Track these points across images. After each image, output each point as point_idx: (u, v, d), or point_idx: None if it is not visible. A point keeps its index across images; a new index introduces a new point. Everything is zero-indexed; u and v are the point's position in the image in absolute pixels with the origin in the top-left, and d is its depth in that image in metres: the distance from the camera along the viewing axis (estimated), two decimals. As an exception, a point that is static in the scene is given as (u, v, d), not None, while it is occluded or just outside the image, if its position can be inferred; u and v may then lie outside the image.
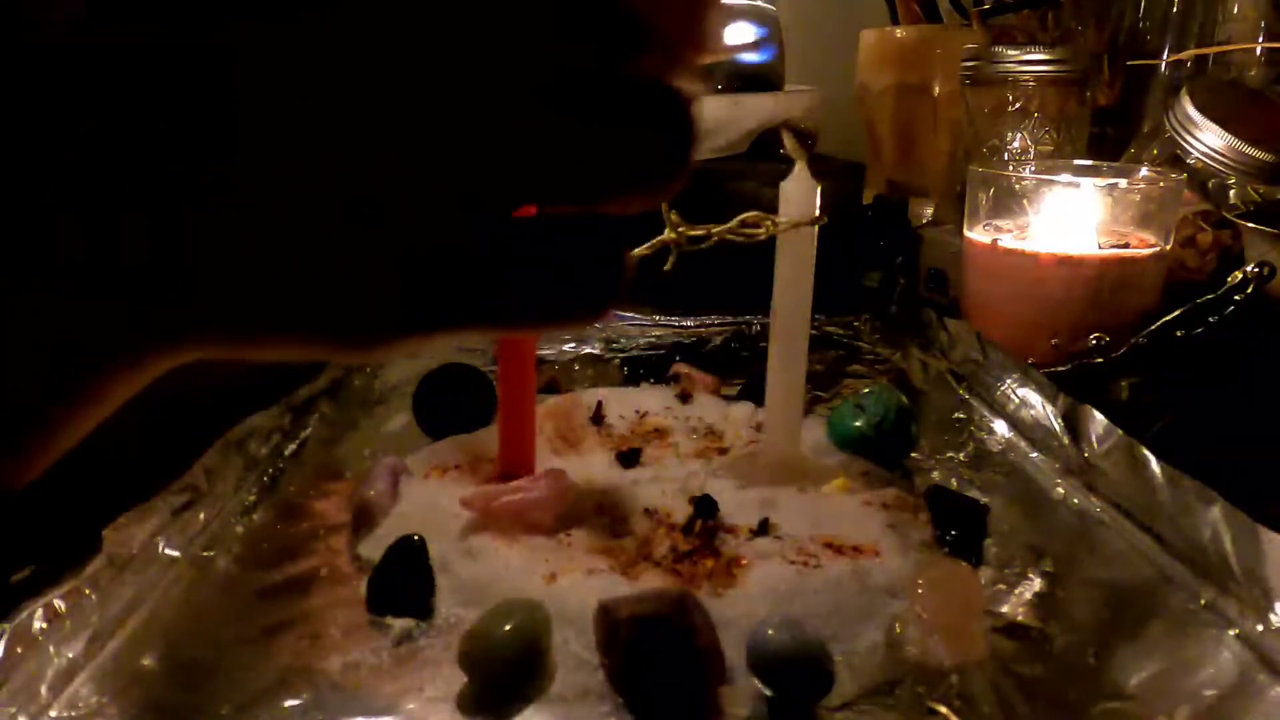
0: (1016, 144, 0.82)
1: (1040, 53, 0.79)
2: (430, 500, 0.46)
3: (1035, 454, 0.54)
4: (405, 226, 0.18)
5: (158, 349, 0.19)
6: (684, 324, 0.79)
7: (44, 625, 0.33)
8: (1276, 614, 0.36)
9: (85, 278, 0.17)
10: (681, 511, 0.45)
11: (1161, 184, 0.64)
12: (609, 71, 0.18)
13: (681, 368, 0.65)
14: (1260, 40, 0.75)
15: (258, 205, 0.17)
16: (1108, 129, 0.88)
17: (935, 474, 0.52)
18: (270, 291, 0.18)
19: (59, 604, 0.34)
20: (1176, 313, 0.60)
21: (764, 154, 0.89)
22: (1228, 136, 0.65)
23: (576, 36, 0.18)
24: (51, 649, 0.33)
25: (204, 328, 0.19)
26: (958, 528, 0.44)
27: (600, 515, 0.45)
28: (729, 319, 0.80)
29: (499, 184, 0.18)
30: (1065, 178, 0.67)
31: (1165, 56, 0.83)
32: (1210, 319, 0.59)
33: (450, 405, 0.55)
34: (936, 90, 0.96)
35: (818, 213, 0.45)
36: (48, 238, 0.17)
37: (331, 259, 0.18)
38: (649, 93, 0.19)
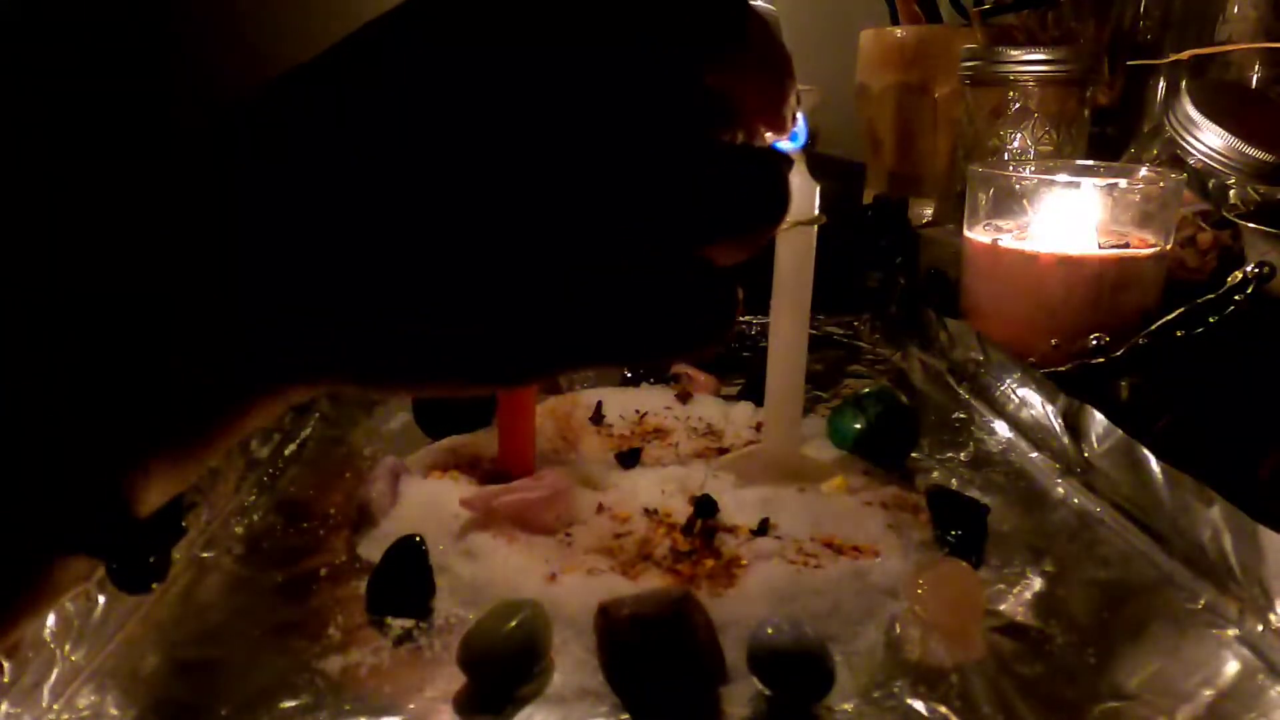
0: (1016, 144, 0.82)
1: (1040, 53, 0.79)
2: (430, 500, 0.46)
3: (1035, 454, 0.54)
4: (538, 276, 0.20)
5: (290, 384, 0.20)
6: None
7: (54, 627, 0.33)
8: (1276, 614, 0.36)
9: (230, 315, 0.19)
10: (681, 511, 0.45)
11: (1161, 184, 0.64)
12: (709, 140, 0.21)
13: (681, 368, 0.65)
14: (1260, 40, 0.75)
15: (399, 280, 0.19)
16: (1108, 129, 0.88)
17: (935, 474, 0.52)
18: (399, 345, 0.20)
19: (68, 605, 0.34)
20: (1176, 313, 0.60)
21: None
22: (1228, 136, 0.65)
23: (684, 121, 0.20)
24: (56, 650, 0.33)
25: (340, 372, 0.20)
26: (958, 528, 0.44)
27: (600, 515, 0.45)
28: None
29: (626, 235, 0.20)
30: (1065, 178, 0.67)
31: (1165, 56, 0.83)
32: (1210, 319, 0.59)
33: (450, 405, 0.55)
34: (936, 90, 0.96)
35: (818, 213, 0.45)
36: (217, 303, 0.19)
37: (469, 311, 0.20)
38: (746, 155, 0.21)
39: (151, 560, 0.20)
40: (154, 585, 0.20)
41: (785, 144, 0.39)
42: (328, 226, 0.19)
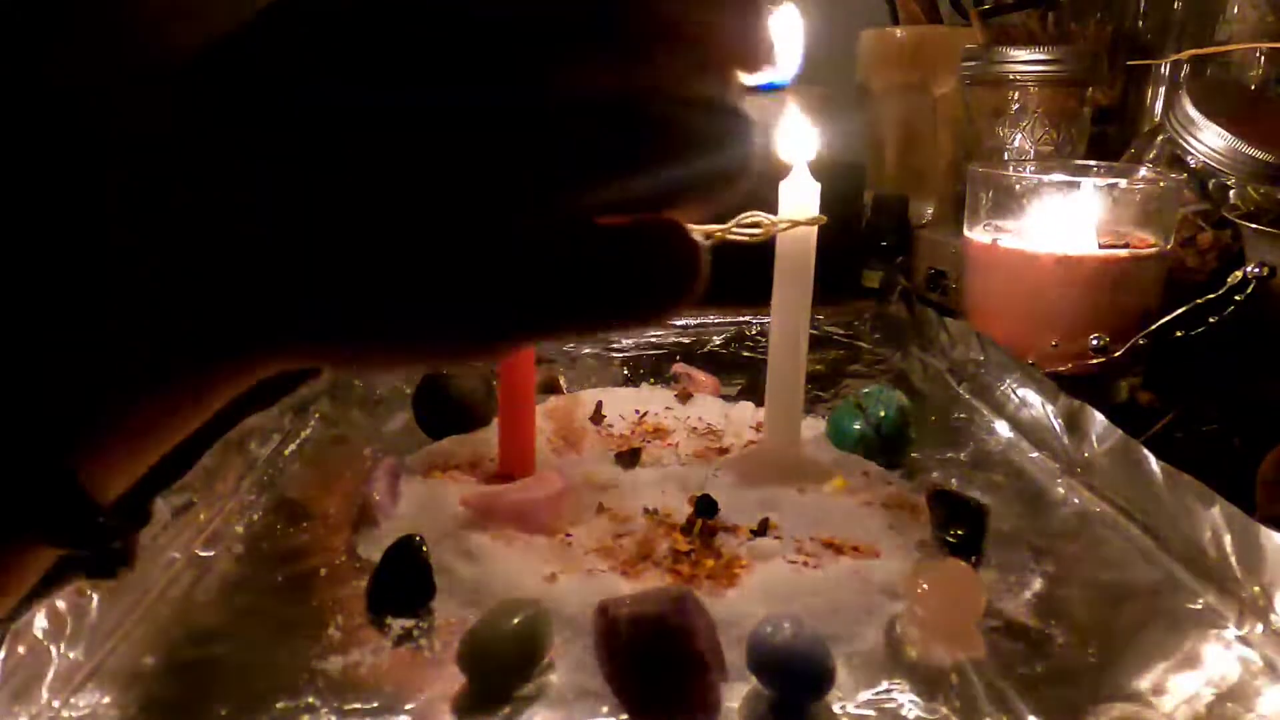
0: (1016, 144, 0.82)
1: (1040, 53, 0.79)
2: (430, 500, 0.46)
3: (1035, 454, 0.54)
4: (497, 241, 0.19)
5: (256, 356, 0.20)
6: (684, 324, 0.79)
7: (46, 625, 0.33)
8: (1276, 614, 0.36)
9: (191, 284, 0.18)
10: (681, 511, 0.45)
11: (1161, 184, 0.64)
12: (666, 94, 0.20)
13: (681, 368, 0.65)
14: (1260, 40, 0.75)
15: (358, 231, 0.19)
16: (1108, 129, 0.88)
17: (935, 474, 0.52)
18: (370, 309, 0.19)
19: (60, 604, 0.34)
20: (1176, 313, 0.60)
21: (764, 154, 0.89)
22: (1228, 136, 0.65)
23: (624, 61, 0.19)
24: (53, 649, 0.33)
25: (303, 340, 0.20)
26: (958, 528, 0.44)
27: (600, 515, 0.45)
28: (729, 319, 0.80)
29: (586, 196, 0.20)
30: (1065, 178, 0.67)
31: (1165, 56, 0.83)
32: (1210, 319, 0.59)
33: (450, 405, 0.55)
34: (936, 90, 0.96)
35: (818, 213, 0.45)
36: (169, 249, 0.18)
37: (433, 277, 0.19)
38: (699, 105, 0.20)
39: (118, 546, 0.19)
40: (120, 571, 0.20)
41: (767, 82, 0.38)
42: (288, 193, 0.18)
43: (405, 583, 0.39)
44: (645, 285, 0.20)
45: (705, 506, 0.44)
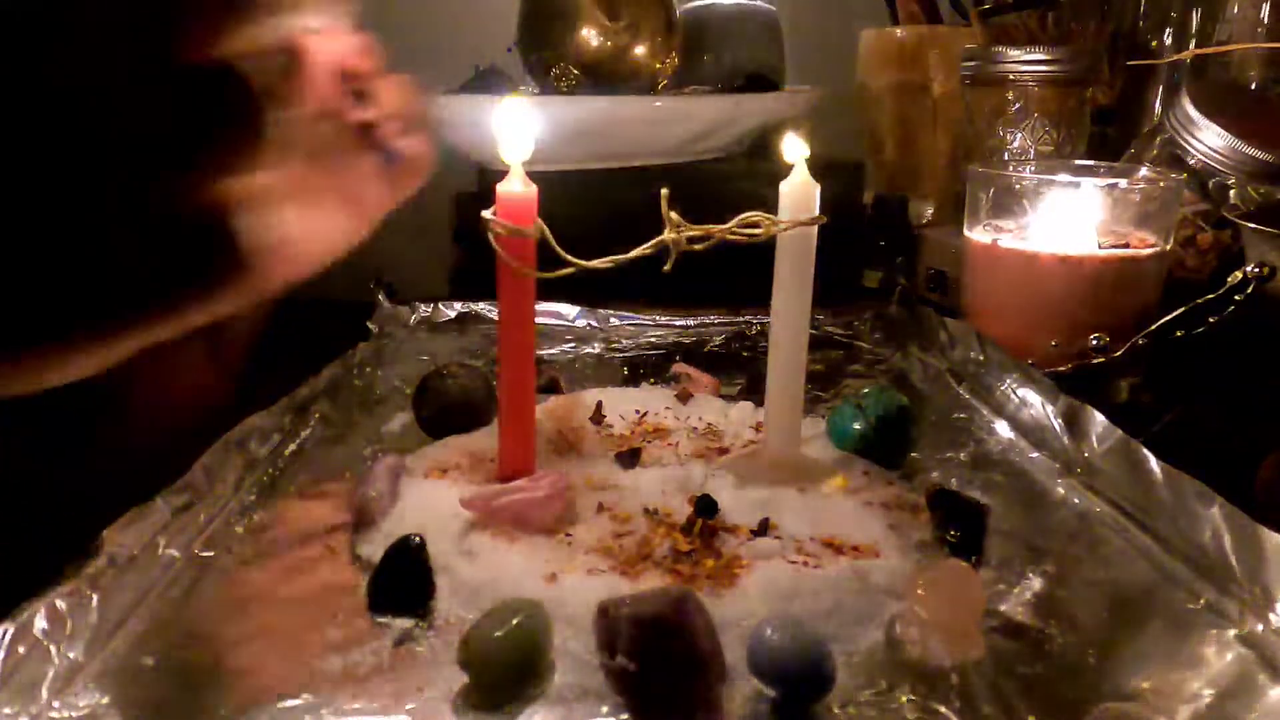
0: (1016, 144, 0.82)
1: (1040, 53, 0.79)
2: (430, 500, 0.46)
3: (1035, 454, 0.54)
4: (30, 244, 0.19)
5: None
6: (684, 324, 0.79)
7: (45, 625, 0.33)
8: (1276, 614, 0.36)
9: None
10: (681, 511, 0.45)
11: (1161, 184, 0.64)
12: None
13: (681, 368, 0.65)
14: (1260, 40, 0.75)
15: None
16: (1108, 129, 0.88)
17: (935, 474, 0.52)
18: None
19: (60, 604, 0.34)
20: (1176, 313, 0.60)
21: (764, 154, 0.89)
22: (1228, 136, 0.65)
23: None
24: (52, 649, 0.33)
25: None
26: (958, 528, 0.44)
27: (600, 515, 0.45)
28: (729, 319, 0.80)
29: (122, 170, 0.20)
30: (1065, 178, 0.67)
31: (1165, 56, 0.83)
32: (1210, 319, 0.59)
33: (450, 405, 0.55)
34: (936, 90, 0.96)
35: (818, 213, 0.45)
36: None
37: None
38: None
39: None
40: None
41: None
42: None
43: (405, 583, 0.39)
44: (174, 268, 0.20)
45: (705, 506, 0.44)
